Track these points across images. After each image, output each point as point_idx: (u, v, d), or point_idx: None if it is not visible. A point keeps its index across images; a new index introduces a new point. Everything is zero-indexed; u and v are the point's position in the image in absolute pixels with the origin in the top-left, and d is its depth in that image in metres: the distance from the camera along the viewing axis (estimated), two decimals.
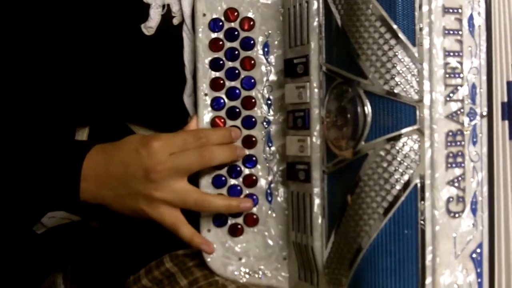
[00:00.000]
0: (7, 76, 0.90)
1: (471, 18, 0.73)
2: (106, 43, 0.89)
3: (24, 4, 0.89)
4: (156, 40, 0.88)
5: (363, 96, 0.73)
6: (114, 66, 0.89)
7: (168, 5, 0.88)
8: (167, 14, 0.88)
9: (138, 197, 0.84)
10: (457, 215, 0.73)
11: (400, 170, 0.72)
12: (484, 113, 0.74)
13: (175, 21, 0.89)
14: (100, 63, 0.89)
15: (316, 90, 0.79)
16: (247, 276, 0.87)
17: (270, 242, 0.87)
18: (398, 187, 0.72)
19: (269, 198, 0.87)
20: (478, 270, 0.73)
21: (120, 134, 0.88)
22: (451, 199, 0.72)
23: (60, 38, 0.89)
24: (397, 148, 0.72)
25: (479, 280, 0.73)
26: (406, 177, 0.72)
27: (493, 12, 0.74)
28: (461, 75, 0.73)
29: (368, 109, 0.73)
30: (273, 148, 0.87)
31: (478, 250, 0.74)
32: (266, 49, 0.87)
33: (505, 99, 0.75)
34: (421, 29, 0.72)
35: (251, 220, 0.87)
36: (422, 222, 0.72)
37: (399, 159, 0.72)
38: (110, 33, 0.89)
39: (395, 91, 0.72)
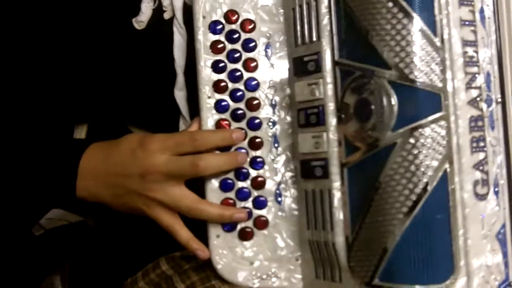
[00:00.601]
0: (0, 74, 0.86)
1: (482, 10, 0.77)
2: (98, 38, 0.87)
3: (14, 1, 0.86)
4: (147, 35, 0.87)
5: (387, 86, 0.75)
6: (105, 61, 0.88)
7: None
8: (158, 8, 0.88)
9: (135, 196, 0.83)
10: (483, 198, 0.75)
11: (430, 156, 0.74)
12: (499, 100, 0.77)
13: (166, 15, 0.88)
14: (91, 58, 0.88)
15: (330, 85, 0.80)
16: (259, 280, 0.85)
17: (282, 244, 0.86)
18: (430, 172, 0.73)
19: (279, 199, 0.86)
20: (504, 250, 0.76)
21: (118, 132, 0.86)
22: (477, 182, 0.75)
23: (52, 34, 0.87)
24: (426, 134, 0.74)
25: (505, 259, 0.76)
26: (435, 163, 0.74)
27: (499, 3, 0.78)
28: (478, 64, 0.76)
29: (394, 99, 0.74)
30: (280, 149, 0.86)
31: (502, 231, 0.76)
32: (268, 50, 0.87)
33: None
34: (441, 20, 0.74)
35: (261, 223, 0.86)
36: (453, 206, 0.74)
37: (428, 145, 0.74)
38: (102, 28, 0.87)
39: (421, 80, 0.74)
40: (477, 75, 0.76)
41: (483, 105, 0.76)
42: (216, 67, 0.86)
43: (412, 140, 0.74)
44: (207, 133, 0.84)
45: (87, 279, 0.96)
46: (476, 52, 0.76)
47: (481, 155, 0.76)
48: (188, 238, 0.83)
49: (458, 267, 0.74)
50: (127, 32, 0.87)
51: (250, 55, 0.86)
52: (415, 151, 0.74)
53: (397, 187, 0.74)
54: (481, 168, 0.75)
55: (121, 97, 0.89)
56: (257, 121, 0.86)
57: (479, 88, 0.76)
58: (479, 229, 0.75)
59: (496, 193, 0.76)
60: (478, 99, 0.76)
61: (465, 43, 0.75)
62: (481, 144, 0.76)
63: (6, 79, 0.87)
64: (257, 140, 0.86)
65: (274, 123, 0.87)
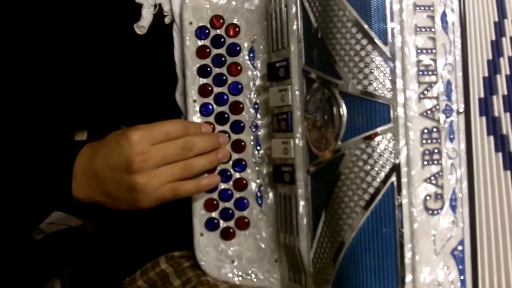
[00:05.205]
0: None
1: (444, 15, 0.73)
2: (99, 44, 0.90)
3: (15, 5, 0.90)
4: (148, 40, 0.90)
5: (338, 97, 0.74)
6: (107, 66, 0.91)
7: (160, 4, 0.90)
8: (159, 13, 0.90)
9: (125, 189, 0.83)
10: (435, 212, 0.73)
11: (376, 168, 0.72)
12: (461, 110, 0.73)
13: (167, 20, 0.90)
14: (93, 64, 0.91)
15: (297, 92, 0.80)
16: (240, 278, 0.88)
17: (262, 245, 0.88)
18: (375, 185, 0.72)
19: (259, 201, 0.88)
20: (460, 267, 0.73)
21: None
22: (428, 197, 0.72)
23: (53, 39, 0.91)
24: (373, 146, 0.72)
25: (462, 277, 0.73)
26: (382, 175, 0.72)
27: (467, 7, 0.74)
28: (435, 72, 0.73)
29: (343, 109, 0.73)
30: (261, 152, 0.88)
31: (460, 248, 0.73)
32: (251, 55, 0.88)
33: (482, 95, 0.75)
34: (392, 28, 0.72)
35: (243, 224, 0.88)
36: (400, 220, 0.72)
37: (374, 157, 0.72)
38: (103, 34, 0.90)
39: (369, 90, 0.72)
40: (433, 85, 0.73)
41: (440, 116, 0.73)
42: (202, 72, 0.88)
43: (357, 152, 0.72)
44: (196, 138, 0.85)
45: (87, 282, 1.00)
46: (434, 60, 0.73)
47: (434, 168, 0.73)
48: (195, 185, 0.85)
49: (405, 282, 0.72)
50: (129, 37, 0.90)
51: (235, 59, 0.88)
52: (360, 163, 0.72)
53: (344, 199, 0.74)
54: (434, 182, 0.72)
55: (122, 101, 0.92)
56: (240, 124, 0.88)
57: (436, 98, 0.73)
58: (430, 245, 0.72)
59: (453, 207, 0.73)
60: (434, 109, 0.73)
61: (421, 51, 0.72)
62: (435, 157, 0.73)
63: (7, 83, 0.91)
64: (240, 143, 0.88)
65: (256, 126, 0.88)
